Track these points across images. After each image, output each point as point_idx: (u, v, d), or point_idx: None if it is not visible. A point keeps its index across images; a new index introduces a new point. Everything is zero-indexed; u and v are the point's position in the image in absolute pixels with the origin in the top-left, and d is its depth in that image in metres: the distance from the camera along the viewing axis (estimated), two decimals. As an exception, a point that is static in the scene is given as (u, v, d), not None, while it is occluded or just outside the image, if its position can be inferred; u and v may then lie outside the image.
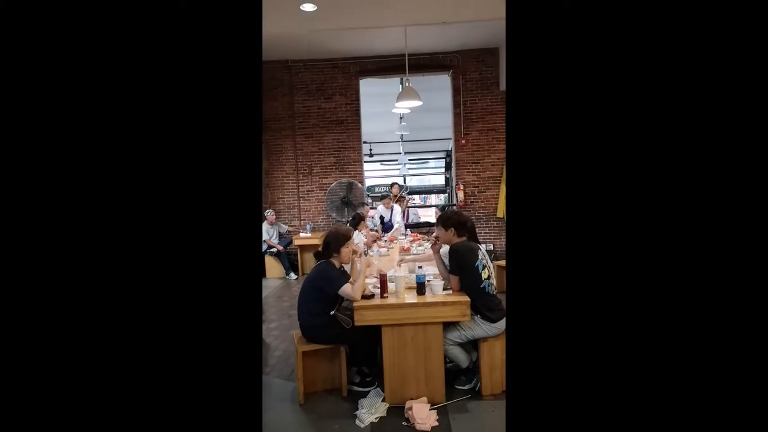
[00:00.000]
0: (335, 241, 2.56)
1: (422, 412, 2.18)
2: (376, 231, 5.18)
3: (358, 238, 4.10)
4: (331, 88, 6.40)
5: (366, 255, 3.52)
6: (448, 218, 2.65)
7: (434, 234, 2.86)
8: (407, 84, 4.75)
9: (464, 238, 2.58)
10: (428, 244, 4.03)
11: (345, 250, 2.55)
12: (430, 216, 8.42)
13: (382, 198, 5.89)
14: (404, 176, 10.97)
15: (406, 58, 5.00)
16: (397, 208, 5.75)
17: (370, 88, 6.55)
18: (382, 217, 5.56)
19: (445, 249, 2.66)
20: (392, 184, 6.65)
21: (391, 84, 6.60)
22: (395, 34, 5.03)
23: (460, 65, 6.26)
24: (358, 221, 4.44)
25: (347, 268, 2.69)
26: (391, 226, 5.52)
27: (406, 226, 5.75)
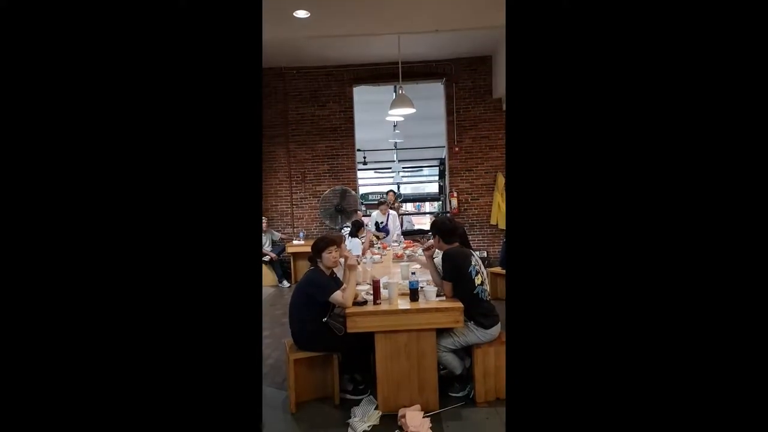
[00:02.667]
0: (319, 246, 2.55)
1: (415, 420, 2.15)
2: (377, 236, 5.19)
3: (352, 243, 4.08)
4: (324, 95, 6.42)
5: (359, 262, 3.50)
6: (433, 225, 2.71)
7: (427, 241, 2.88)
8: (401, 91, 4.77)
9: (455, 245, 2.58)
10: (421, 250, 4.02)
11: (327, 255, 2.53)
12: (424, 224, 8.43)
13: (378, 204, 5.91)
14: (398, 184, 10.99)
15: (399, 65, 5.03)
16: (393, 213, 5.77)
17: (363, 96, 6.57)
18: (377, 223, 5.57)
19: (437, 255, 2.65)
20: (388, 192, 6.67)
21: (385, 92, 6.64)
22: (388, 42, 5.06)
23: (453, 73, 6.30)
24: (358, 227, 4.45)
25: (340, 274, 2.66)
26: (388, 231, 5.53)
27: (403, 234, 5.76)
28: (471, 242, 5.77)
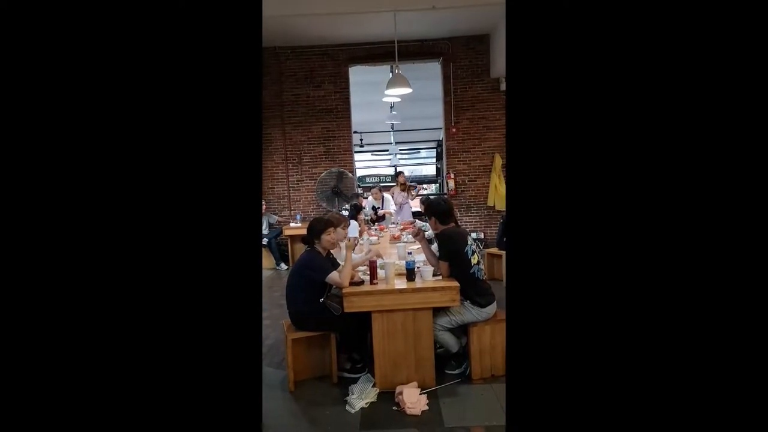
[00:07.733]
0: (316, 228, 2.54)
1: (412, 397, 2.18)
2: (369, 219, 5.20)
3: (350, 225, 4.09)
4: (320, 75, 6.31)
5: (357, 242, 3.50)
6: (428, 207, 2.73)
7: (415, 224, 2.89)
8: (397, 71, 4.69)
9: (450, 226, 2.58)
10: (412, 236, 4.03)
11: (326, 237, 2.53)
12: (419, 207, 8.42)
13: (371, 189, 5.91)
14: (395, 166, 10.93)
15: (396, 44, 4.93)
16: (387, 197, 5.77)
17: (359, 77, 6.47)
18: (374, 207, 5.58)
19: (429, 235, 2.67)
20: (399, 173, 6.62)
21: (381, 73, 6.53)
22: (384, 20, 4.95)
23: (450, 52, 6.20)
24: (358, 211, 4.46)
25: (338, 255, 2.67)
26: (384, 216, 5.54)
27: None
28: (468, 224, 5.74)
